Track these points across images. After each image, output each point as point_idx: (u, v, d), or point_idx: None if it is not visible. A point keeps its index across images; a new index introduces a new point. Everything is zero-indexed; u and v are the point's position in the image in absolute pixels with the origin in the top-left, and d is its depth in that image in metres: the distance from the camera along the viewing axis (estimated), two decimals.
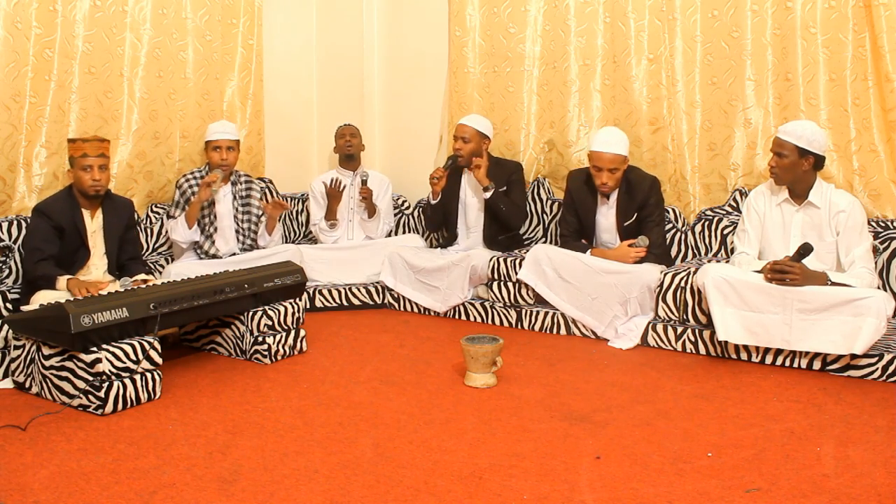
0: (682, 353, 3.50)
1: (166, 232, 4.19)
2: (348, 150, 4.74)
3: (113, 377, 2.77)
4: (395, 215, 4.97)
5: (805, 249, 3.15)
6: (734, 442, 2.47)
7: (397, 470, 2.28)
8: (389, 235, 4.83)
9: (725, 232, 3.97)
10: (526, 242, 4.53)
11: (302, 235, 5.06)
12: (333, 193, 4.61)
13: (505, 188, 4.32)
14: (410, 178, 5.12)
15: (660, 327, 3.57)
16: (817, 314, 3.08)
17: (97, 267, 3.46)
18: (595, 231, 3.98)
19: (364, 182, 4.62)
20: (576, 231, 4.02)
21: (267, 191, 4.86)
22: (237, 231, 4.20)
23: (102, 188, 3.38)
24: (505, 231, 4.36)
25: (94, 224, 3.45)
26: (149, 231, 4.22)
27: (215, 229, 4.13)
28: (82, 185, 3.34)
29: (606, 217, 3.93)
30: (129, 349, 2.83)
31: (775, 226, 3.45)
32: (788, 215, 3.42)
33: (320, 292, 4.37)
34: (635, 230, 3.84)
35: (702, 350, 3.45)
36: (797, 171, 3.30)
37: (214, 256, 4.08)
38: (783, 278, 3.14)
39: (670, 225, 4.13)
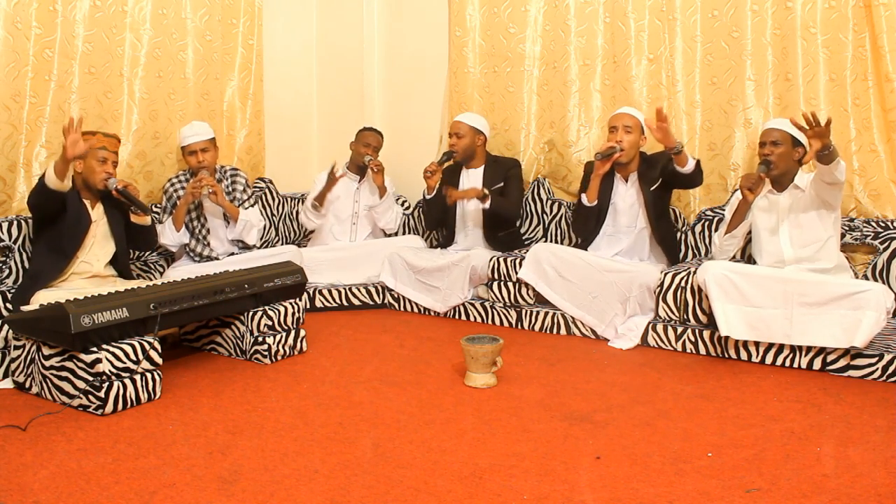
0: (682, 353, 3.50)
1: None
2: (367, 162, 4.60)
3: (113, 377, 2.77)
4: None
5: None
6: (734, 442, 2.47)
7: (397, 470, 2.28)
8: (396, 234, 4.83)
9: None
10: (526, 242, 4.53)
11: (302, 236, 5.06)
12: (331, 178, 4.55)
13: (502, 183, 4.33)
14: (410, 178, 5.11)
15: (660, 327, 3.57)
16: (817, 308, 3.10)
17: (98, 258, 3.45)
18: (609, 213, 3.93)
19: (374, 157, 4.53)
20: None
21: (267, 190, 4.86)
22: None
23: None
24: (504, 227, 4.36)
25: (95, 214, 3.46)
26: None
27: (207, 231, 4.10)
28: (94, 176, 3.36)
29: (624, 199, 3.90)
30: (129, 349, 2.83)
31: (762, 211, 3.48)
32: (774, 202, 3.46)
33: (320, 292, 4.36)
34: (662, 191, 3.82)
35: (702, 350, 3.46)
36: (790, 160, 3.37)
37: (210, 258, 4.06)
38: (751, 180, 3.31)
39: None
